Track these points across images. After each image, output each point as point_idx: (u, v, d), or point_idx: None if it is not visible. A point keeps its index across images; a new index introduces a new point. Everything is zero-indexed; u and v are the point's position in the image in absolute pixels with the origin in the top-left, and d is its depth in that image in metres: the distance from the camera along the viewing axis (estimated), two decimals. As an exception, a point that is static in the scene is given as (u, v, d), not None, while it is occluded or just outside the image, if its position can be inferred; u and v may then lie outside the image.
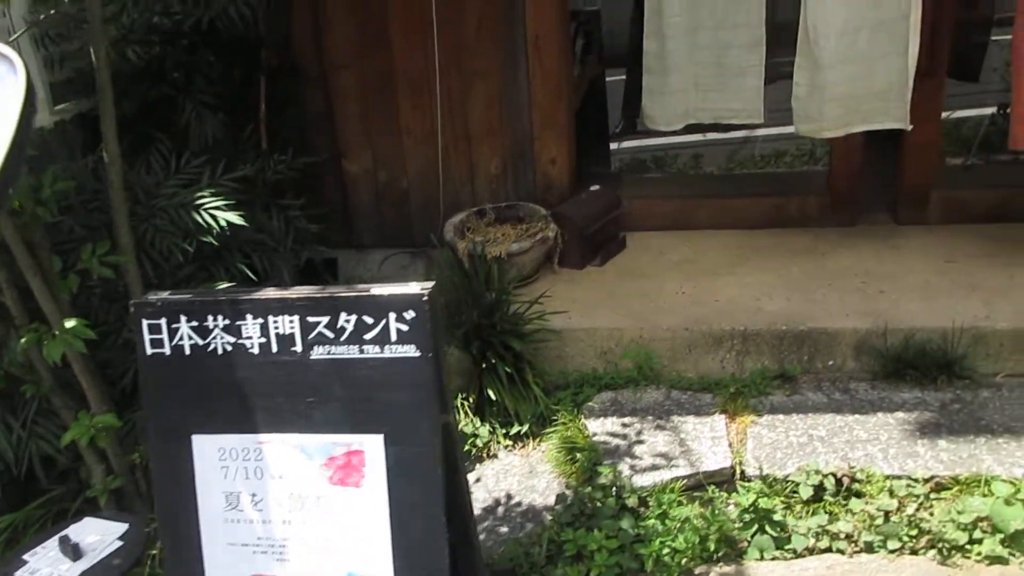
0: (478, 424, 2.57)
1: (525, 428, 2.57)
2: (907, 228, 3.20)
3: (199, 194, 2.38)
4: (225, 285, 2.37)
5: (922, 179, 3.16)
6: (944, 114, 3.35)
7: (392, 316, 1.29)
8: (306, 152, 3.15)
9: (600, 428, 2.50)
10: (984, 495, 2.04)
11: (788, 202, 3.29)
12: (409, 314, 1.29)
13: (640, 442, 2.42)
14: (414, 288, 1.30)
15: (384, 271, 3.46)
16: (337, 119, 3.26)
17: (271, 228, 2.81)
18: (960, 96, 4.35)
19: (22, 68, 0.96)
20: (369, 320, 1.30)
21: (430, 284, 1.31)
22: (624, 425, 2.51)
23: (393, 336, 1.30)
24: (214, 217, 2.34)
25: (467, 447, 2.52)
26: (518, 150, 3.23)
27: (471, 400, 2.60)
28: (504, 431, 2.58)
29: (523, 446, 2.58)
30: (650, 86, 2.92)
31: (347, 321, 1.30)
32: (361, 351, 1.31)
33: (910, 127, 2.81)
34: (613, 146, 4.51)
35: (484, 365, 2.60)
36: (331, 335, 1.31)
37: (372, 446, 1.33)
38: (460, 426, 2.54)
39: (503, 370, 2.60)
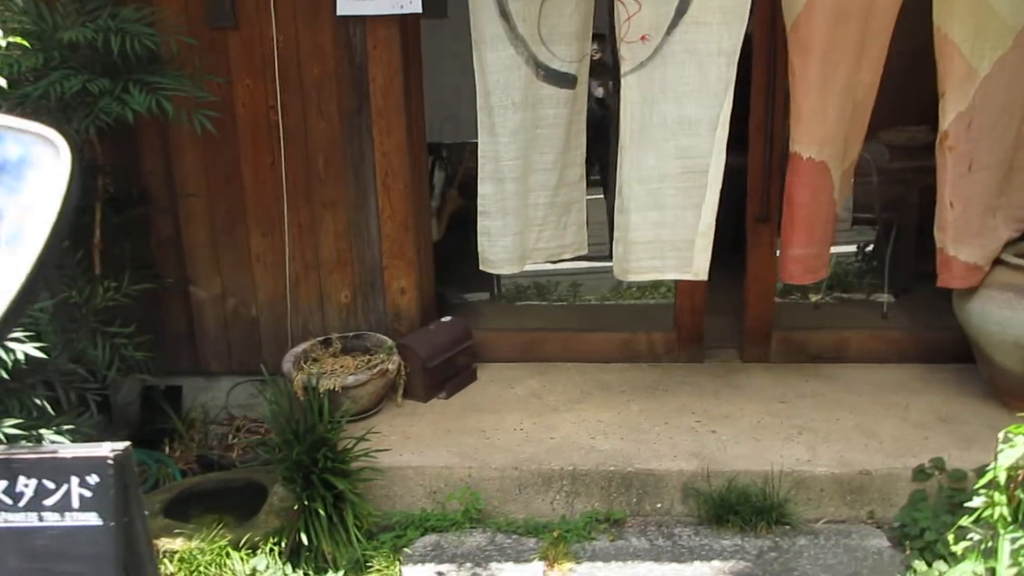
0: (289, 571, 2.43)
1: (340, 575, 2.45)
2: (751, 366, 3.26)
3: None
4: (14, 422, 2.25)
5: (762, 318, 3.24)
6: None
7: (75, 481, 1.21)
8: (154, 278, 3.10)
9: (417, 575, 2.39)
10: (781, 654, 1.98)
11: (637, 337, 3.33)
12: (93, 479, 1.21)
13: (453, 592, 2.32)
14: (103, 450, 1.23)
15: (233, 399, 3.36)
16: (186, 246, 3.23)
17: (91, 357, 2.71)
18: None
19: (67, 151, 0.89)
20: (50, 485, 1.22)
21: (123, 445, 1.24)
22: (440, 573, 2.40)
23: (75, 502, 1.21)
24: (10, 351, 2.25)
25: (273, 598, 2.38)
26: (368, 280, 3.23)
27: (283, 544, 2.47)
28: (318, 578, 2.45)
29: (338, 595, 2.44)
30: (487, 229, 2.95)
31: (26, 486, 1.22)
32: (40, 519, 1.22)
33: (704, 279, 2.88)
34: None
35: (298, 506, 2.49)
36: (9, 501, 1.22)
37: (47, 624, 1.22)
38: (268, 575, 2.40)
39: (321, 511, 2.49)
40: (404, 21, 2.98)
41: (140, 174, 3.15)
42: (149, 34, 2.66)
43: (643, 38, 2.62)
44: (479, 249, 2.98)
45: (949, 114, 2.66)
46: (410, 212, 3.14)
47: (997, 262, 2.76)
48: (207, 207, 3.19)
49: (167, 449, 3.09)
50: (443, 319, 3.27)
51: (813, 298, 4.02)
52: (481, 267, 3.02)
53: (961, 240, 2.71)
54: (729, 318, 3.39)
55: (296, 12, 2.98)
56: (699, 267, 2.84)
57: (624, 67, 2.66)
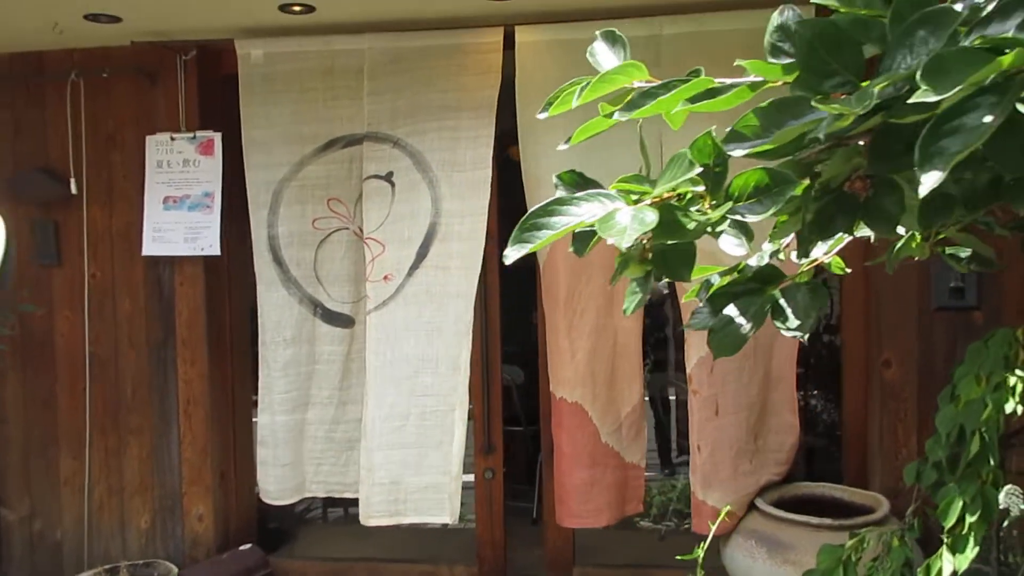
0: None
1: None
2: (553, 603, 3.14)
3: None
4: None
5: (562, 552, 3.15)
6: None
7: None
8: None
9: None
10: None
11: (439, 570, 3.25)
12: None
13: None
14: None
15: (35, 626, 3.31)
16: (-1, 467, 3.33)
17: None
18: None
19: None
20: None
21: None
22: None
23: None
24: None
25: None
26: (168, 505, 3.26)
27: None
28: None
29: None
30: (264, 459, 3.00)
31: None
32: None
33: (456, 521, 2.82)
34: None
35: None
36: None
37: None
38: None
39: None
40: (210, 260, 3.20)
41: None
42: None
43: (386, 278, 2.78)
44: (257, 478, 3.02)
45: (692, 358, 2.72)
46: (211, 438, 3.22)
47: (752, 507, 2.70)
48: (23, 430, 3.31)
49: None
50: (242, 547, 3.25)
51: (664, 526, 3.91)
52: (260, 496, 3.04)
53: (710, 485, 2.68)
54: (533, 551, 3.30)
55: (114, 251, 3.24)
56: (451, 510, 2.79)
57: (368, 306, 2.79)
